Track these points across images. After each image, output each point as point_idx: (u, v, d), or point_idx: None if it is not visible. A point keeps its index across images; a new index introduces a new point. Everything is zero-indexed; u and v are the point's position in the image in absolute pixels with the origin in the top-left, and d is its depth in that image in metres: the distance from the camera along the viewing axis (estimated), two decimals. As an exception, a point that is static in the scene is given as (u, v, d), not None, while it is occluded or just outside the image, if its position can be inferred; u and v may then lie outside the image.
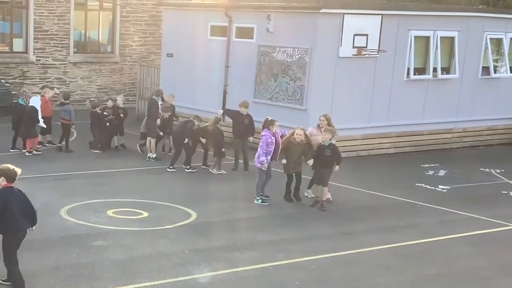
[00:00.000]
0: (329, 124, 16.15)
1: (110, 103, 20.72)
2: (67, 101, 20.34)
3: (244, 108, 19.04)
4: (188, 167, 18.47)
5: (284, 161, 15.70)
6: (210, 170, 18.56)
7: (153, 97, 20.21)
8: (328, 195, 15.73)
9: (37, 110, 19.34)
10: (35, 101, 19.54)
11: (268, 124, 15.74)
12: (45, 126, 19.97)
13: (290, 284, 11.10)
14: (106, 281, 10.80)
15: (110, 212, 14.32)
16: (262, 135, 15.69)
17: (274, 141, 15.59)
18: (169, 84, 23.92)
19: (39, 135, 20.07)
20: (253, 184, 15.86)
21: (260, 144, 15.67)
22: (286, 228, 14.02)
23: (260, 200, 15.68)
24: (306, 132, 15.92)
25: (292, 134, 15.69)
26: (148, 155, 19.67)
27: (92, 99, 21.10)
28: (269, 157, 15.53)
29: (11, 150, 19.66)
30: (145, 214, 14.39)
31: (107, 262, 11.60)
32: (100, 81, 28.83)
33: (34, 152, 19.39)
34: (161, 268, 11.46)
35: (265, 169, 15.58)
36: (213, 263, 11.80)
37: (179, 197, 15.88)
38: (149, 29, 29.47)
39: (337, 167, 15.51)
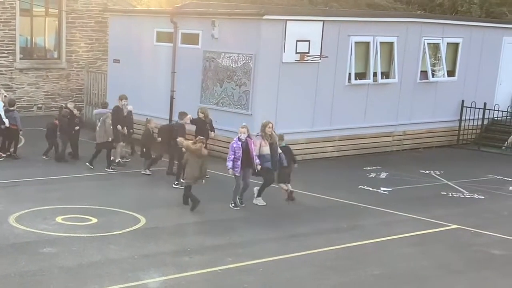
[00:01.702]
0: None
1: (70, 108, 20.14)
2: (12, 108, 19.93)
3: (202, 114, 18.77)
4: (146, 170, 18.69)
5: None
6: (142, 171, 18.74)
7: (118, 104, 19.67)
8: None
9: None
10: None
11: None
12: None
13: (238, 287, 11.06)
14: (55, 288, 10.64)
15: (59, 219, 14.09)
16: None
17: (240, 146, 15.36)
18: (116, 90, 23.57)
19: None
20: (202, 190, 15.76)
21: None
22: (234, 232, 13.98)
23: (232, 204, 15.67)
24: (255, 143, 15.79)
25: None
26: (117, 160, 19.37)
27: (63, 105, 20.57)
28: (238, 163, 15.31)
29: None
30: (94, 220, 14.19)
31: (56, 269, 11.40)
32: (47, 87, 28.34)
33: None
34: (111, 274, 11.31)
35: (238, 175, 15.43)
36: (162, 268, 11.70)
37: (129, 203, 15.69)
38: (96, 35, 29.08)
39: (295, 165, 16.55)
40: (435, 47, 25.06)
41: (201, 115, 18.74)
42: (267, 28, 20.64)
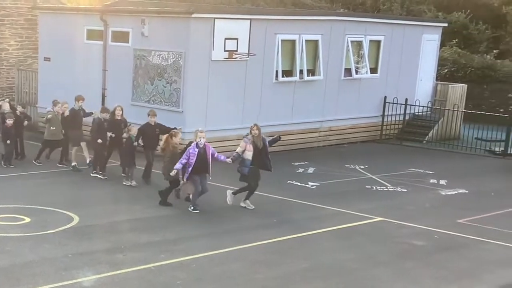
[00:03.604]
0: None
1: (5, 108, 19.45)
2: None
3: (153, 118, 17.78)
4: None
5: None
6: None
7: (74, 107, 18.97)
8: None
9: None
10: None
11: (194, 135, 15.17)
12: None
13: (172, 283, 11.03)
14: (-11, 289, 10.41)
15: (-9, 219, 13.81)
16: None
17: (196, 153, 14.79)
18: (48, 88, 23.29)
19: None
20: (136, 187, 15.59)
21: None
22: (167, 229, 13.93)
23: (191, 208, 15.29)
24: (240, 149, 15.42)
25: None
26: (73, 164, 18.75)
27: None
28: (189, 169, 14.76)
29: None
30: (27, 219, 13.93)
31: (-10, 270, 11.17)
32: (-23, 86, 27.62)
33: None
34: (45, 273, 11.13)
35: (184, 181, 15.12)
36: (96, 266, 11.57)
37: (62, 201, 15.45)
38: (26, 33, 28.37)
39: None
40: (358, 45, 25.42)
41: (118, 113, 18.08)
42: (196, 26, 20.61)
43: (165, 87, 20.93)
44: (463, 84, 29.16)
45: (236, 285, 11.10)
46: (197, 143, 14.90)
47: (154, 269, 11.61)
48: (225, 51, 21.01)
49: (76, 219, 14.15)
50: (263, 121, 22.13)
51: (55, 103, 19.26)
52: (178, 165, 14.90)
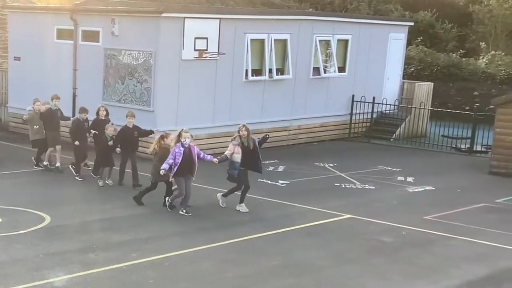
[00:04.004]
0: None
1: None
2: None
3: (131, 119, 17.29)
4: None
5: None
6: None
7: (51, 106, 18.49)
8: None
9: None
10: None
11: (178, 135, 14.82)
12: None
13: (144, 282, 11.01)
14: (-40, 290, 10.34)
15: (-39, 220, 13.68)
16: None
17: (182, 152, 14.54)
18: (18, 88, 23.11)
19: None
20: (110, 189, 15.52)
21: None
22: (139, 228, 13.89)
23: (184, 211, 14.97)
24: (228, 152, 15.19)
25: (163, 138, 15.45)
26: (45, 163, 18.52)
27: None
28: (175, 169, 14.54)
29: None
30: (-2, 220, 13.85)
31: (-39, 271, 11.08)
32: None
33: None
34: (16, 273, 11.04)
35: (172, 180, 14.94)
36: (68, 266, 11.50)
37: (34, 201, 15.34)
38: (-5, 32, 28.17)
39: None
40: (326, 44, 25.54)
41: (102, 113, 17.94)
42: (166, 26, 20.57)
43: (136, 86, 20.86)
44: (430, 83, 29.49)
45: (208, 284, 11.12)
46: (182, 143, 14.67)
47: (126, 268, 11.58)
48: (195, 50, 20.98)
49: (48, 219, 14.06)
50: (234, 119, 22.28)
51: (34, 101, 18.97)
52: (165, 165, 14.62)
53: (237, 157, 15.13)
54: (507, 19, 40.34)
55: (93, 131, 17.65)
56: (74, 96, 22.28)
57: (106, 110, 18.24)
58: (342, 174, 20.02)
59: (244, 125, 15.30)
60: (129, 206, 15.42)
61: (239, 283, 11.23)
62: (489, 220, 15.88)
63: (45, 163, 18.59)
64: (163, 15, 20.45)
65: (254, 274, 11.70)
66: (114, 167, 17.41)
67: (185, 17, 20.78)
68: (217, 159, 15.20)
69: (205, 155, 15.18)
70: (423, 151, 24.91)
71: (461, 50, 38.64)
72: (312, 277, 11.63)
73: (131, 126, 17.25)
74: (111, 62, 21.40)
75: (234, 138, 15.36)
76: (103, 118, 17.99)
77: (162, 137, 15.53)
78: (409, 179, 19.86)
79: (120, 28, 21.22)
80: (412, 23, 30.60)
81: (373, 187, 18.65)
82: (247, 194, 15.63)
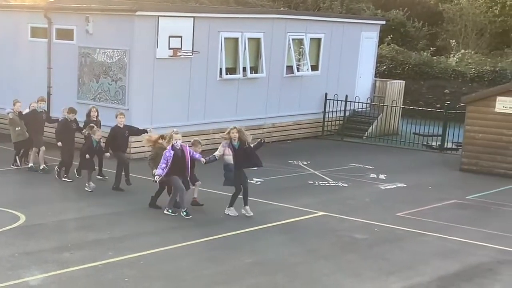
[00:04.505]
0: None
1: None
2: None
3: (122, 118, 16.95)
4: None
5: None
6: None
7: (37, 108, 18.29)
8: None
9: None
10: None
11: (169, 138, 14.58)
12: None
13: (120, 281, 10.98)
14: None
15: None
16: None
17: (172, 155, 14.24)
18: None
19: None
20: (81, 185, 15.46)
21: None
22: (115, 226, 13.87)
23: (184, 213, 14.67)
24: (218, 153, 14.75)
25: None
26: (30, 165, 18.31)
27: None
28: (165, 170, 14.27)
29: None
30: (-28, 219, 13.73)
31: None
32: None
33: None
34: (-9, 273, 10.99)
35: (176, 178, 14.48)
36: (43, 265, 11.45)
37: (9, 200, 15.24)
38: (-33, 30, 27.81)
39: None
40: (299, 43, 25.62)
41: (93, 114, 17.66)
42: (140, 24, 20.52)
43: (111, 84, 20.79)
44: (401, 81, 29.69)
45: (183, 281, 11.13)
46: (172, 145, 14.38)
47: (101, 267, 11.55)
48: (169, 48, 20.96)
49: (23, 218, 13.98)
50: (208, 118, 22.36)
51: (14, 102, 18.67)
52: (159, 171, 14.34)
53: (229, 159, 14.63)
54: (477, 17, 40.74)
55: (85, 131, 17.15)
56: (49, 94, 22.13)
57: (97, 111, 17.94)
58: (316, 172, 20.11)
59: (235, 127, 14.80)
60: (105, 204, 15.39)
61: (215, 280, 11.25)
62: (460, 216, 16.06)
63: (30, 164, 18.32)
64: (137, 13, 20.39)
65: (229, 271, 11.72)
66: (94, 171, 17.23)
67: (159, 16, 20.74)
68: (205, 159, 14.80)
69: (194, 153, 14.90)
70: (395, 149, 25.09)
71: (431, 48, 38.95)
72: (286, 274, 11.68)
73: (121, 126, 16.88)
74: (86, 60, 21.30)
75: (225, 138, 14.82)
76: (95, 119, 17.73)
77: (162, 137, 15.13)
78: (382, 176, 20.00)
79: (94, 26, 21.13)
80: (383, 22, 30.77)
81: (346, 185, 18.76)
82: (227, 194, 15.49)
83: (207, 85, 22.33)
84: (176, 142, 14.43)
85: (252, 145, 15.03)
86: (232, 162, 14.64)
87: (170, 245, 12.79)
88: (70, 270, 11.32)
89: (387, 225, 14.91)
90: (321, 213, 15.71)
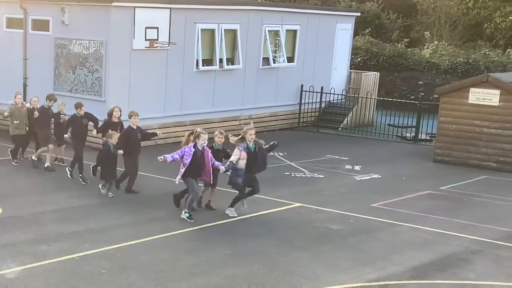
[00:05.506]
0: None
1: None
2: None
3: (136, 118, 15.74)
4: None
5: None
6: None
7: (43, 104, 17.76)
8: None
9: None
10: None
11: (195, 137, 13.76)
12: None
13: (97, 273, 10.93)
14: None
15: None
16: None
17: (191, 154, 13.56)
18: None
19: None
20: (60, 177, 15.29)
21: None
22: (91, 218, 13.79)
23: (186, 214, 14.00)
24: (235, 157, 13.77)
25: None
26: (33, 158, 17.86)
27: None
28: (182, 170, 13.67)
29: None
30: None
31: None
32: None
33: None
34: (-32, 265, 10.90)
35: (179, 182, 13.91)
36: (20, 257, 11.36)
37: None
38: None
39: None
40: (275, 34, 25.59)
41: (116, 114, 16.39)
42: (116, 15, 20.38)
43: (87, 76, 20.64)
44: (376, 72, 29.77)
45: (161, 273, 11.09)
46: (195, 143, 13.72)
47: (78, 259, 11.48)
48: (146, 40, 20.84)
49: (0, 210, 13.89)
50: (185, 109, 22.28)
51: (16, 94, 18.19)
52: (168, 156, 13.67)
53: (242, 164, 13.79)
54: (450, 9, 40.98)
55: (69, 133, 16.75)
56: (25, 86, 21.93)
57: (120, 111, 16.63)
58: (292, 163, 20.13)
59: (251, 128, 13.90)
60: (82, 196, 15.30)
61: (192, 271, 11.22)
62: (433, 207, 16.17)
63: (33, 157, 17.90)
64: (114, 4, 20.24)
65: (207, 262, 11.69)
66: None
67: (135, 7, 20.62)
68: (225, 167, 13.91)
69: (214, 160, 14.06)
70: (370, 140, 25.19)
71: (405, 40, 39.11)
72: (264, 265, 11.68)
73: (135, 127, 15.75)
74: (62, 51, 21.11)
75: (239, 140, 13.95)
76: (116, 120, 16.54)
77: (191, 133, 14.21)
78: (357, 167, 20.08)
79: (70, 17, 20.96)
80: (358, 14, 30.85)
81: (322, 176, 18.81)
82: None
83: (184, 77, 22.25)
84: (203, 142, 13.68)
85: (265, 147, 14.36)
86: (243, 167, 13.83)
87: (147, 237, 12.75)
88: (46, 262, 11.25)
89: (362, 216, 14.98)
90: (297, 204, 15.74)
